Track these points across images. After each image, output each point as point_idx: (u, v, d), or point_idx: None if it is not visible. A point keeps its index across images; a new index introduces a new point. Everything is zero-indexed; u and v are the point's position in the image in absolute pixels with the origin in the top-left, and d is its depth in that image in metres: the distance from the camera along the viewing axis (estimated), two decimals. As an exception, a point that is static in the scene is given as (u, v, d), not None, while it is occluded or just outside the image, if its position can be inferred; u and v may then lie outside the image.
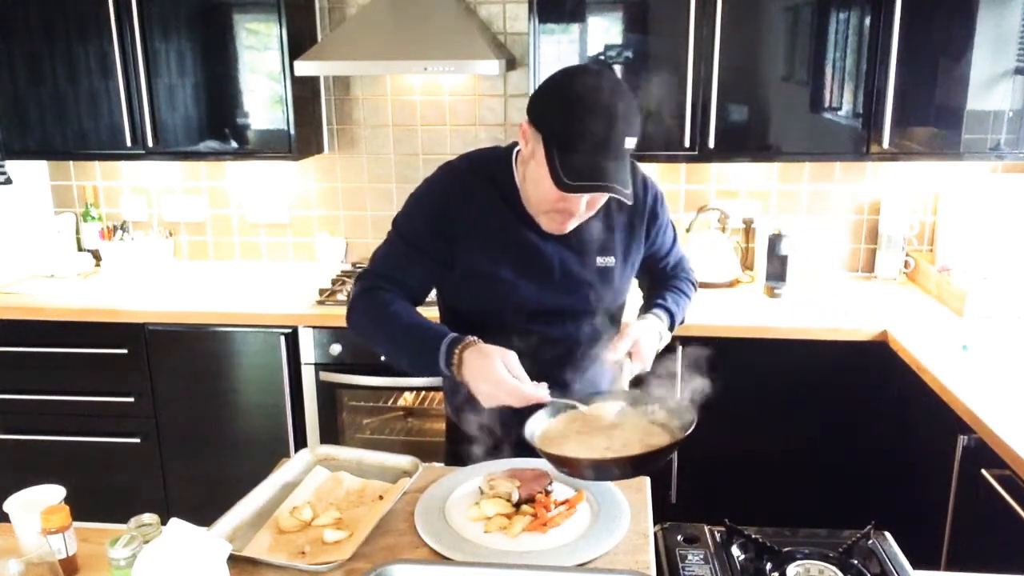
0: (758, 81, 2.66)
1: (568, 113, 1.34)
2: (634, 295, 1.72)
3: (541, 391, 1.35)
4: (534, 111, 1.41)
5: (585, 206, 1.43)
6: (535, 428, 1.40)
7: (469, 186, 1.53)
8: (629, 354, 1.51)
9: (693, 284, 1.78)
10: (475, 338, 1.41)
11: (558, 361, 1.59)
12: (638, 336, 1.52)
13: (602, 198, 1.44)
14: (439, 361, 1.41)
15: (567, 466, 1.32)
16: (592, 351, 1.62)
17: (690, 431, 1.30)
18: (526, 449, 1.54)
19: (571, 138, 1.34)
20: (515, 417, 1.58)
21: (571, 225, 1.49)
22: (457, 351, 1.39)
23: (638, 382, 1.53)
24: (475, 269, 1.54)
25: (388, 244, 1.59)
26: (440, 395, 2.81)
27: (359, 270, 2.25)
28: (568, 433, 1.41)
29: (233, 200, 3.30)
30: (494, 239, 1.52)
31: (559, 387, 1.57)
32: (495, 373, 1.33)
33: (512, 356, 1.37)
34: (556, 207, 1.43)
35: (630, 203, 1.42)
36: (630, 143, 1.36)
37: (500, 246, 1.52)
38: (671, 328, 1.64)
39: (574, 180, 1.34)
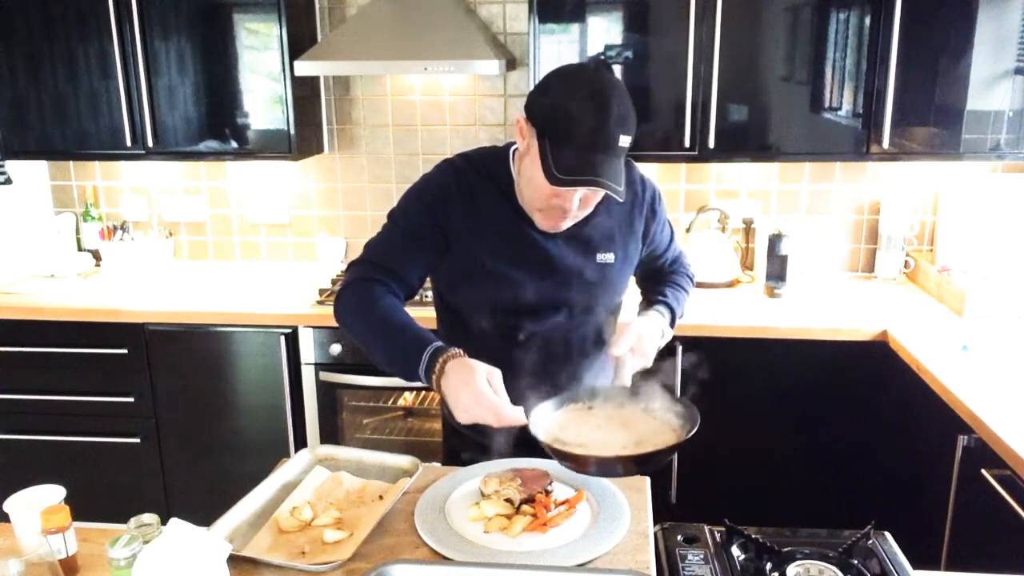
0: (758, 81, 2.66)
1: (562, 108, 1.34)
2: (631, 292, 1.72)
3: (519, 414, 1.29)
4: (530, 106, 1.41)
5: (579, 204, 1.42)
6: (540, 422, 1.40)
7: (468, 181, 1.53)
8: (631, 350, 1.51)
9: (691, 278, 1.79)
10: (460, 351, 1.36)
11: (554, 357, 1.59)
12: (641, 332, 1.52)
13: (596, 197, 1.43)
14: (419, 366, 1.36)
15: (572, 462, 1.32)
16: (589, 347, 1.62)
17: (696, 429, 1.31)
18: (522, 448, 1.55)
19: (564, 133, 1.34)
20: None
21: (566, 224, 1.48)
22: (441, 360, 1.35)
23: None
24: (473, 263, 1.53)
25: (383, 233, 1.56)
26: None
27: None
28: (575, 427, 1.41)
29: (233, 200, 3.30)
30: (493, 233, 1.52)
31: (555, 382, 1.56)
32: (477, 388, 1.29)
33: (497, 374, 1.32)
34: (550, 203, 1.43)
35: (622, 200, 1.41)
36: (625, 141, 1.35)
37: (499, 241, 1.52)
38: (672, 324, 1.64)
39: (565, 175, 1.33)
